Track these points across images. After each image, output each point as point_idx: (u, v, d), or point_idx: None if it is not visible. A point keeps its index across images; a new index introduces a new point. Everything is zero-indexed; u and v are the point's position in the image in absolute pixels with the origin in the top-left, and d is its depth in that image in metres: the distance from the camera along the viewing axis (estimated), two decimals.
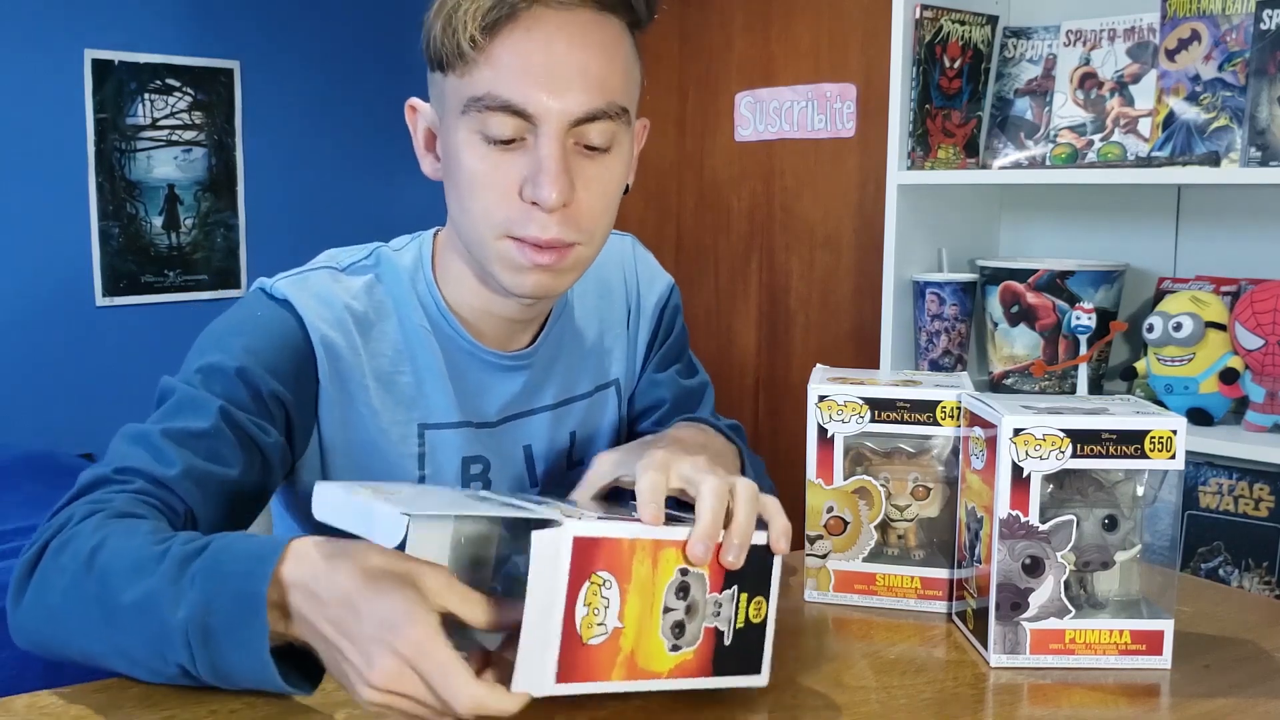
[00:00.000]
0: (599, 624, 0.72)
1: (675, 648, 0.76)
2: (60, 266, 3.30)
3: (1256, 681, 0.87)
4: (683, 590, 0.76)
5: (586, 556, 0.71)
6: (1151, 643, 0.89)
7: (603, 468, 0.93)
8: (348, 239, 1.13)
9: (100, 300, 3.37)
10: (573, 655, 0.70)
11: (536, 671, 0.69)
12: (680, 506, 0.82)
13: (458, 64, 0.92)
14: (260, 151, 3.63)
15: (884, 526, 1.02)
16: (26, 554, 0.86)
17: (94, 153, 3.32)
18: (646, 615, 0.74)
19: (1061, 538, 0.89)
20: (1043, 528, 0.88)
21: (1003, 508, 0.88)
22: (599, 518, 0.74)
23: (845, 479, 1.01)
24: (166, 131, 3.45)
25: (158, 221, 3.45)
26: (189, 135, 3.49)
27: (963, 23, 2.20)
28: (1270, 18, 1.79)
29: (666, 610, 0.75)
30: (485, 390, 1.06)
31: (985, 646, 0.90)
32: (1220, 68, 1.91)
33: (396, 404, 1.02)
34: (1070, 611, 0.89)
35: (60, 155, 3.28)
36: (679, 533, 0.76)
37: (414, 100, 1.03)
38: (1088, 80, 2.10)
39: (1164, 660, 0.89)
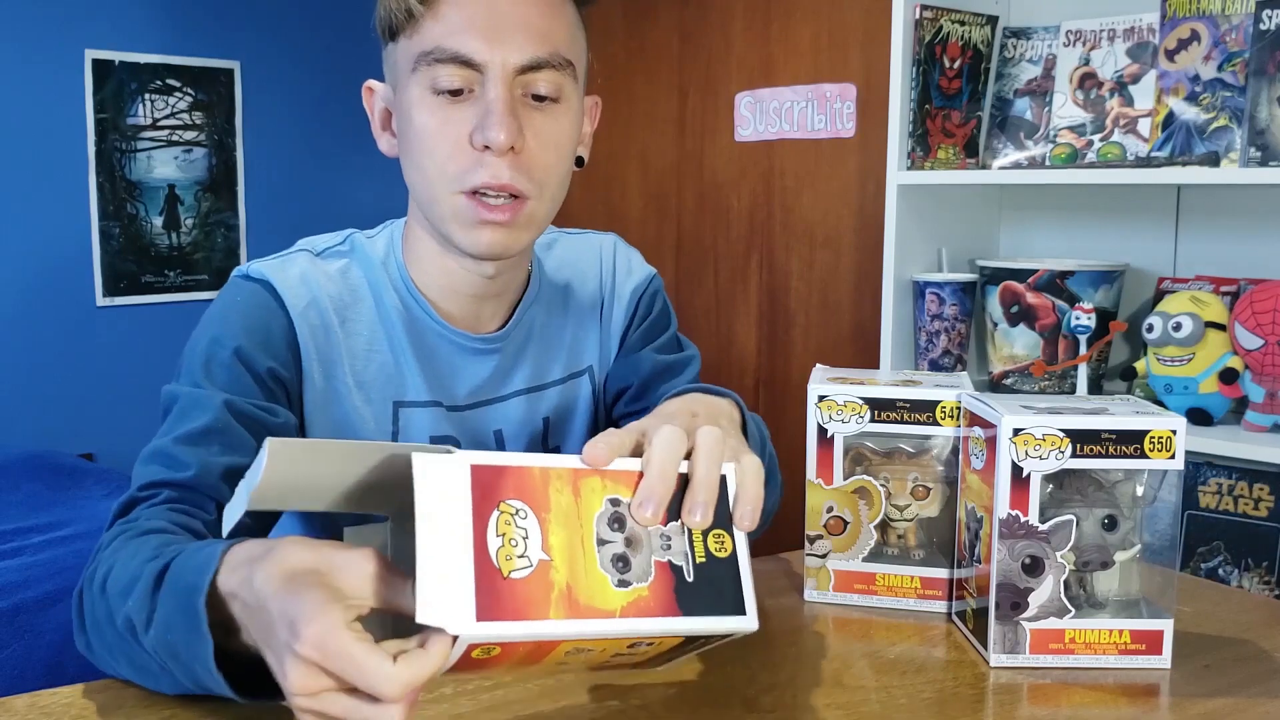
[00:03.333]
0: (520, 556, 0.64)
1: (623, 583, 0.67)
2: (60, 266, 3.30)
3: (1256, 681, 0.87)
4: (616, 522, 0.68)
5: (489, 484, 0.64)
6: (1151, 642, 0.89)
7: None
8: None
9: (100, 300, 3.37)
10: (494, 590, 0.62)
11: (450, 605, 0.61)
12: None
13: (406, 25, 0.96)
14: (260, 151, 3.63)
15: (884, 526, 1.02)
16: (75, 591, 0.86)
17: (94, 153, 3.32)
18: (578, 548, 0.66)
19: (1061, 538, 0.89)
20: (1042, 528, 0.88)
21: (1002, 508, 0.88)
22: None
23: (845, 479, 1.01)
24: (167, 131, 3.45)
25: (158, 221, 3.45)
26: (189, 135, 3.49)
27: (963, 23, 2.20)
28: (1270, 18, 1.79)
29: (602, 543, 0.67)
30: (455, 372, 1.07)
31: (985, 646, 0.90)
32: (1220, 68, 1.91)
33: (372, 382, 1.04)
34: (1070, 611, 0.89)
35: (60, 155, 3.28)
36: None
37: (370, 81, 1.05)
38: (1087, 80, 2.10)
39: (1164, 660, 0.89)
